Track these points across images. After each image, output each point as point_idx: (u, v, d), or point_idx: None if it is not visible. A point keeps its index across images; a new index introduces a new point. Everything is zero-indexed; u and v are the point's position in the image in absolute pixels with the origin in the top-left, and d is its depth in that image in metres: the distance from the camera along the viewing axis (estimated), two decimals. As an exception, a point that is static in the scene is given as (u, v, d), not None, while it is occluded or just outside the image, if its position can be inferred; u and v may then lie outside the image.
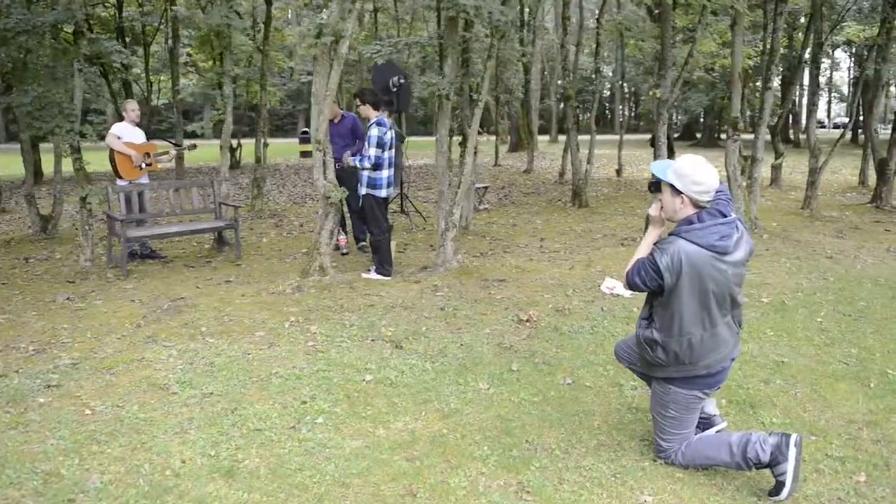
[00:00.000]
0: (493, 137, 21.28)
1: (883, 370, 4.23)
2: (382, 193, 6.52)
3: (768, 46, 8.30)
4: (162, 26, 14.04)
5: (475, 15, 5.76)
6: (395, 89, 8.91)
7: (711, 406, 3.25)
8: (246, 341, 4.83)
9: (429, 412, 3.68)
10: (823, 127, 47.71)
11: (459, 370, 4.26)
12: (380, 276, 6.61)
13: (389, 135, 6.45)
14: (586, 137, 13.58)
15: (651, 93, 7.46)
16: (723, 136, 8.38)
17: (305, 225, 10.21)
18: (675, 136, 42.04)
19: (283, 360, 4.44)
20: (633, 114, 55.22)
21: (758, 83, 32.30)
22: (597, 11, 11.42)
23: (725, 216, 2.77)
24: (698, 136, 36.84)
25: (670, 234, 2.81)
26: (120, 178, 7.40)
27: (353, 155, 6.55)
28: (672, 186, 2.80)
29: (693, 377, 2.87)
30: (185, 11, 13.31)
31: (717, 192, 2.93)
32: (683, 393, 2.90)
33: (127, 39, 17.72)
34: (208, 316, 5.41)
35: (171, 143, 9.80)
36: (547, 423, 3.54)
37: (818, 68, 10.66)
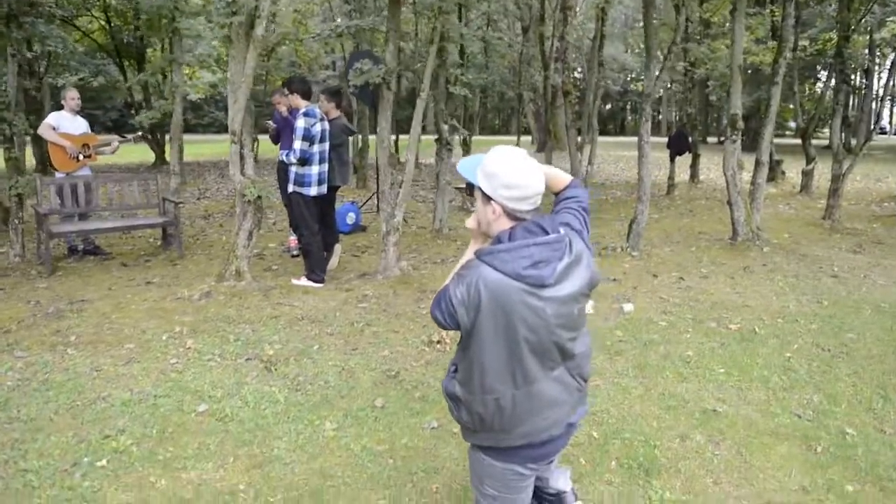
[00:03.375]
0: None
1: (841, 429, 3.36)
2: (311, 192, 5.88)
3: (785, 38, 7.33)
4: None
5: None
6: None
7: (562, 479, 2.46)
8: (108, 355, 4.25)
9: (239, 459, 3.01)
10: (884, 133, 45.27)
11: (318, 404, 3.58)
12: (310, 283, 5.97)
13: (319, 126, 5.80)
14: (629, 139, 12.53)
15: (633, 86, 6.60)
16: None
17: (281, 223, 9.66)
18: (722, 139, 40.38)
19: (128, 380, 3.85)
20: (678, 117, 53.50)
21: (816, 82, 30.46)
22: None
23: (548, 233, 1.99)
24: (743, 138, 35.03)
25: (474, 256, 2.05)
26: (55, 169, 6.98)
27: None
28: (482, 190, 2.04)
29: (508, 448, 2.11)
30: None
31: (565, 199, 2.18)
32: (499, 466, 2.13)
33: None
34: (89, 323, 4.87)
35: (120, 135, 9.39)
36: (373, 483, 2.84)
37: (843, 63, 9.55)
